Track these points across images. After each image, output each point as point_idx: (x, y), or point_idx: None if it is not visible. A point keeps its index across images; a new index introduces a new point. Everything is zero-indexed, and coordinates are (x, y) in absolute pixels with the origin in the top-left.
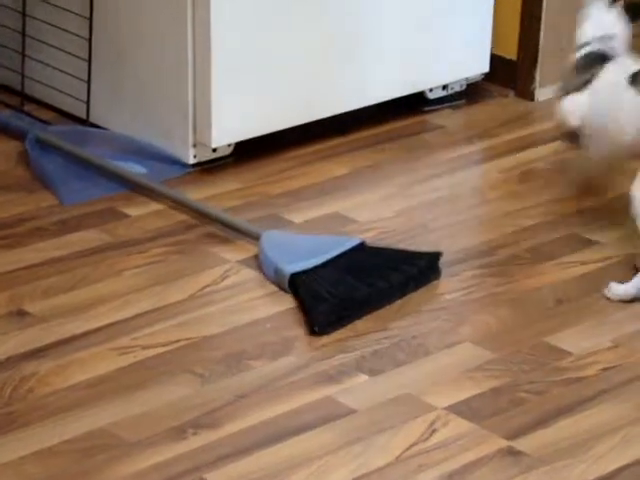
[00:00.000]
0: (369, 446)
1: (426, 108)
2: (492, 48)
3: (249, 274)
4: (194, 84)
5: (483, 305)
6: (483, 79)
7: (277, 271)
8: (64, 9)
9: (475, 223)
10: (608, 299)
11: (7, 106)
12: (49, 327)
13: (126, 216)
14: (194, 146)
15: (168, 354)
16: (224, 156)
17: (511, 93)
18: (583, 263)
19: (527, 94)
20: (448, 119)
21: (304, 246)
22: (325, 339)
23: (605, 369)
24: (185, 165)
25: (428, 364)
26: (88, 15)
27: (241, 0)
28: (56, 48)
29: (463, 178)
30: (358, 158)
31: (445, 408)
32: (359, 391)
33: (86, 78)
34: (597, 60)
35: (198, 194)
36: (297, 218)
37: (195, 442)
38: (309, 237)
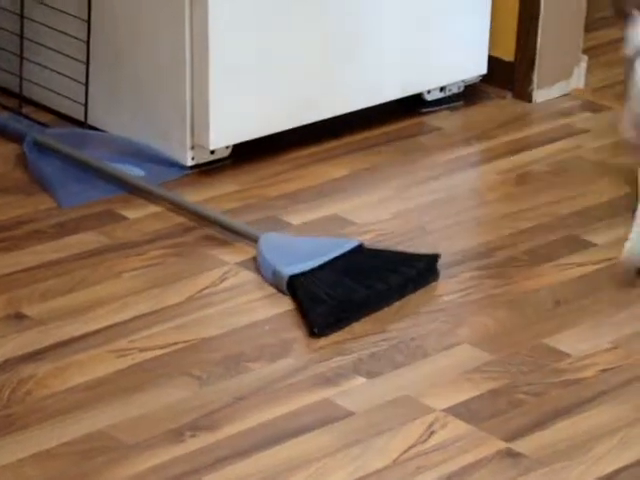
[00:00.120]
0: (367, 448)
1: (423, 110)
2: (490, 50)
3: (247, 276)
4: (192, 86)
5: (481, 307)
6: (481, 81)
7: (275, 273)
8: (62, 11)
9: (473, 225)
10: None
11: (5, 108)
12: (47, 330)
13: (124, 218)
14: (192, 148)
15: (166, 356)
16: (222, 158)
17: (509, 95)
18: (581, 265)
19: (525, 96)
20: (446, 121)
21: (302, 248)
22: (323, 341)
23: (603, 370)
24: (183, 167)
25: (426, 366)
26: (86, 17)
27: (239, 2)
28: (54, 50)
29: (461, 180)
30: (356, 160)
31: (443, 410)
32: (357, 393)
33: (84, 80)
34: None
35: (196, 196)
36: (295, 220)
37: (193, 444)
38: (307, 239)
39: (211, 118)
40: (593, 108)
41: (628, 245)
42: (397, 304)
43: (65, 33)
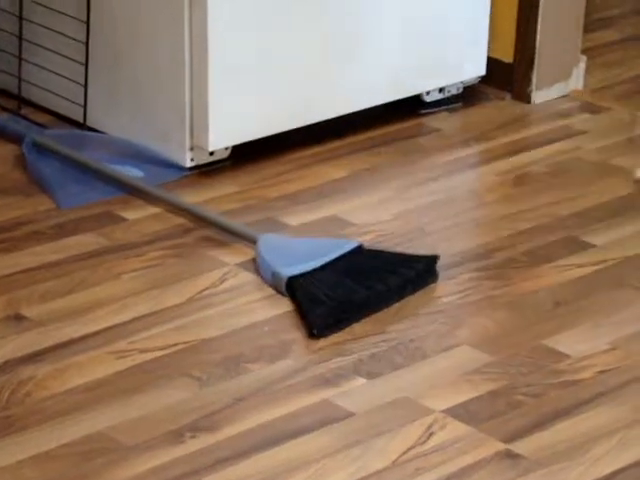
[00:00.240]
0: (367, 449)
1: (423, 111)
2: (488, 51)
3: (247, 277)
4: (191, 88)
5: (480, 308)
6: (480, 82)
7: (274, 274)
8: (61, 13)
9: (472, 226)
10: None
11: (4, 110)
12: (46, 331)
13: (123, 220)
14: (191, 149)
15: (166, 357)
16: (221, 159)
17: (507, 96)
18: (580, 266)
19: (524, 97)
20: (445, 122)
21: (302, 249)
22: (323, 342)
23: (602, 372)
24: (182, 168)
25: (425, 367)
26: (85, 19)
27: (238, 3)
28: (53, 52)
29: (460, 181)
30: (355, 161)
31: (443, 411)
32: (357, 394)
33: (83, 82)
34: None
35: (195, 197)
36: (294, 221)
37: (193, 445)
38: (307, 240)
39: (210, 119)
40: (592, 109)
41: None
42: (396, 305)
43: (64, 34)
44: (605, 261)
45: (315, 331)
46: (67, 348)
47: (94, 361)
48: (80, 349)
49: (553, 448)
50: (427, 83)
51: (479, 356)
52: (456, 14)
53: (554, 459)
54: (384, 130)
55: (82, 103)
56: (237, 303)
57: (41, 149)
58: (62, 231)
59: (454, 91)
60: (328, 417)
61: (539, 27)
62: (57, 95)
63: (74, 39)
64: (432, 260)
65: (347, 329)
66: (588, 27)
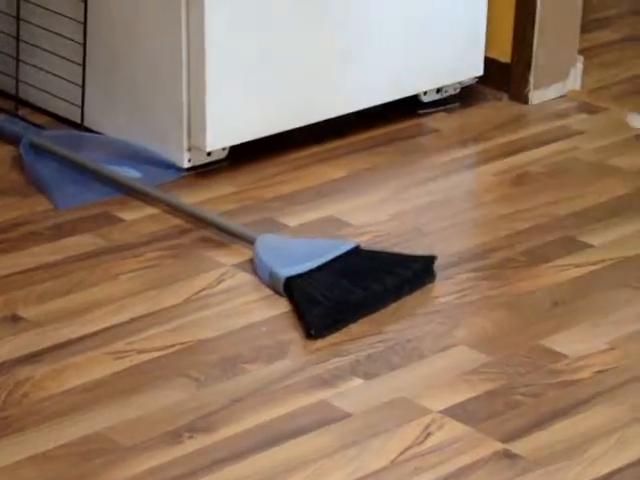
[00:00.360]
0: (364, 450)
1: (420, 111)
2: (486, 51)
3: (244, 278)
4: (188, 88)
5: (478, 308)
6: (477, 82)
7: (272, 275)
8: (58, 14)
9: (469, 226)
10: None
11: (1, 110)
12: (44, 332)
13: (121, 220)
14: (189, 150)
15: (163, 358)
16: (219, 160)
17: (505, 96)
18: (577, 266)
19: (521, 97)
20: (443, 122)
21: (299, 250)
22: (320, 343)
23: (600, 371)
24: (180, 169)
25: (423, 367)
26: (82, 19)
27: (235, 4)
28: (50, 53)
29: (457, 181)
30: (353, 161)
31: (440, 411)
32: (354, 395)
33: (80, 82)
34: None
35: (193, 198)
36: (292, 222)
37: (191, 446)
38: (304, 241)
39: (207, 120)
40: (589, 109)
41: None
42: (393, 305)
43: (62, 35)
44: (603, 261)
45: (313, 331)
46: (65, 349)
47: (92, 362)
48: (78, 350)
49: (551, 448)
50: (424, 83)
51: (477, 356)
52: (453, 14)
53: (552, 459)
54: (382, 130)
55: (79, 104)
56: (234, 304)
57: (38, 150)
58: (60, 232)
59: (451, 91)
60: (325, 417)
61: (536, 27)
62: (54, 96)
63: (71, 40)
64: (429, 260)
65: (344, 329)
66: (585, 27)
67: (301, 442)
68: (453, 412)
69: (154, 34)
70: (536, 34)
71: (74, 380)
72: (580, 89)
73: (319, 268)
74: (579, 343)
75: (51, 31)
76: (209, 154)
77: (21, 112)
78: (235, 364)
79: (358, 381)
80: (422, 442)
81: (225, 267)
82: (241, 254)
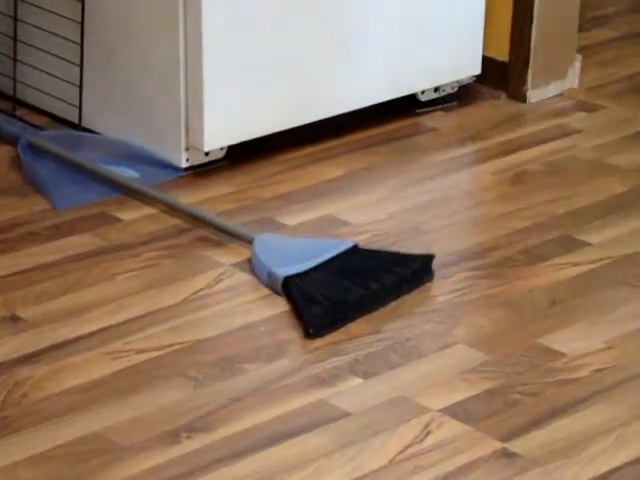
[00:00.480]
0: (363, 449)
1: (418, 110)
2: (484, 50)
3: (243, 277)
4: (186, 88)
5: (476, 307)
6: (475, 81)
7: (270, 274)
8: (55, 14)
9: (468, 225)
10: None
11: None
12: (42, 332)
13: (119, 220)
14: (186, 150)
15: (161, 358)
16: (217, 159)
17: (503, 95)
18: (576, 264)
19: (519, 96)
20: (440, 121)
21: (297, 249)
22: (318, 342)
23: (598, 370)
24: (177, 169)
25: (422, 366)
26: (79, 20)
27: (233, 3)
28: (48, 53)
29: (456, 180)
30: (351, 160)
31: (439, 410)
32: (353, 394)
33: (78, 83)
34: None
35: (191, 198)
36: (290, 221)
37: (189, 446)
38: (302, 240)
39: (205, 119)
40: (587, 108)
41: None
42: (392, 304)
43: (59, 35)
44: (601, 259)
45: (311, 331)
46: (63, 349)
47: (90, 362)
48: (76, 350)
49: (550, 447)
50: (422, 82)
51: (475, 355)
52: (451, 13)
53: (551, 458)
54: (380, 129)
55: (77, 104)
56: (233, 303)
57: (36, 150)
58: (58, 232)
59: (449, 90)
60: (324, 417)
61: (534, 26)
62: (52, 96)
63: (69, 40)
64: (428, 259)
65: (343, 329)
66: (583, 26)
67: (300, 441)
68: (452, 411)
69: (151, 34)
70: (534, 33)
71: (72, 380)
72: (578, 87)
73: (317, 267)
74: (577, 342)
75: (48, 31)
76: (207, 154)
77: (19, 112)
78: (234, 364)
79: (357, 380)
80: (421, 441)
81: (223, 267)
82: (239, 254)
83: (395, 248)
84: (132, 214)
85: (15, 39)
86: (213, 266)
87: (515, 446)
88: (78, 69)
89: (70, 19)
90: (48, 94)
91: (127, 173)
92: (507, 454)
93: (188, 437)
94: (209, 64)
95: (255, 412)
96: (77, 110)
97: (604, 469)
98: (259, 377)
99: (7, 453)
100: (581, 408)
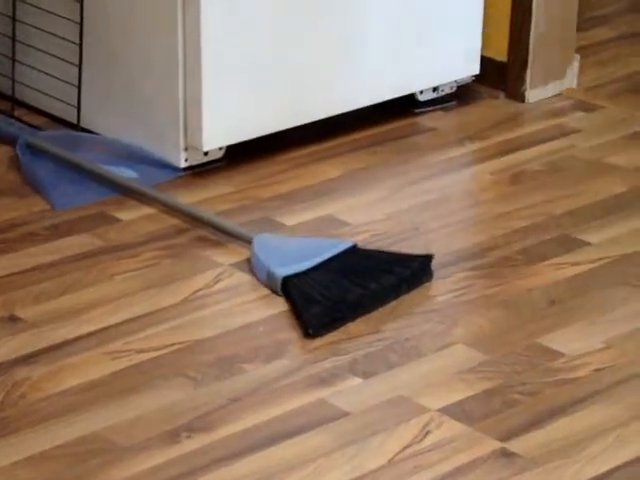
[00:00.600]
0: (363, 448)
1: (417, 110)
2: (482, 50)
3: (242, 277)
4: (185, 88)
5: (475, 307)
6: (473, 81)
7: (269, 274)
8: (54, 14)
9: (466, 225)
10: None
11: None
12: (41, 332)
13: (117, 220)
14: (185, 150)
15: (161, 358)
16: (216, 159)
17: (501, 95)
18: (575, 264)
19: (517, 96)
20: (439, 121)
21: (296, 249)
22: (318, 342)
23: (597, 370)
24: (176, 169)
25: (421, 366)
26: (78, 20)
27: (231, 3)
28: (46, 53)
29: (454, 180)
30: (350, 160)
31: (438, 410)
32: (352, 394)
33: (77, 83)
34: None
35: (190, 198)
36: (289, 221)
37: (189, 446)
38: (301, 240)
39: (204, 119)
40: (586, 107)
41: None
42: (391, 304)
43: (58, 36)
44: (600, 259)
45: (310, 331)
46: (62, 349)
47: (89, 362)
48: (75, 350)
49: (549, 446)
50: (421, 82)
51: (474, 355)
52: (450, 13)
53: (550, 457)
54: (379, 129)
55: (76, 104)
56: (232, 303)
57: (35, 150)
58: (56, 232)
59: (448, 90)
60: (324, 417)
61: (533, 26)
62: (51, 96)
63: (68, 40)
64: (427, 259)
65: (342, 328)
66: (582, 25)
67: (299, 441)
68: (451, 411)
69: (150, 33)
70: (532, 32)
71: (71, 380)
72: (577, 87)
73: (316, 267)
74: (576, 341)
75: (47, 31)
76: (206, 154)
77: (17, 113)
78: (233, 364)
79: (356, 380)
80: (420, 441)
81: (222, 267)
82: (238, 254)
83: (394, 248)
84: (131, 214)
85: (14, 39)
86: (212, 266)
87: (514, 446)
88: (77, 69)
89: (69, 19)
90: (47, 94)
91: (126, 173)
92: (506, 454)
93: (188, 437)
94: (208, 64)
95: (254, 412)
96: (76, 110)
97: (603, 469)
98: (258, 377)
99: (6, 454)
100: (580, 408)
